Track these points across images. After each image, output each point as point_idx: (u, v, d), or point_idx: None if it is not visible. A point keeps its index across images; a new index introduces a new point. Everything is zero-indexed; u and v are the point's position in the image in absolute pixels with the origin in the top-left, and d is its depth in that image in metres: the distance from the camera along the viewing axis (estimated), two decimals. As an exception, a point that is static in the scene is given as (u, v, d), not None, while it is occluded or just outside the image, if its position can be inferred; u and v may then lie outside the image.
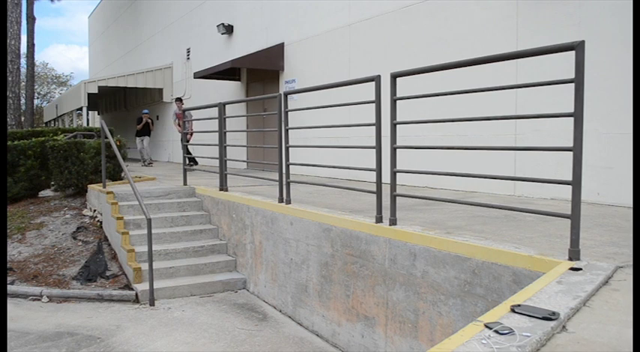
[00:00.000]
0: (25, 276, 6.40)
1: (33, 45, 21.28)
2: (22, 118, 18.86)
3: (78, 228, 7.72)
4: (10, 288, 6.00)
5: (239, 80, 12.81)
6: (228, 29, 12.86)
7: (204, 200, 7.56)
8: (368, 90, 4.32)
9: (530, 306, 2.14)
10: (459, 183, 6.64)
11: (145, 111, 14.31)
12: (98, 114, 26.56)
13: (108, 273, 6.54)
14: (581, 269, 2.75)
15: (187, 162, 9.26)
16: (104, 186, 7.72)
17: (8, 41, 15.52)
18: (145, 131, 14.18)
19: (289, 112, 5.60)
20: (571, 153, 2.86)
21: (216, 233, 7.12)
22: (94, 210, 8.08)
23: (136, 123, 14.14)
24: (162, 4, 17.79)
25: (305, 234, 5.12)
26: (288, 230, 5.43)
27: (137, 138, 14.14)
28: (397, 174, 4.11)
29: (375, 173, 4.25)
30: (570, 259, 2.91)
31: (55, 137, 9.74)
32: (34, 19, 21.15)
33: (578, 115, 2.82)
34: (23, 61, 20.28)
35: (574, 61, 2.81)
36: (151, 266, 5.77)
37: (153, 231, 6.10)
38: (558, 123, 5.39)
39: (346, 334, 4.55)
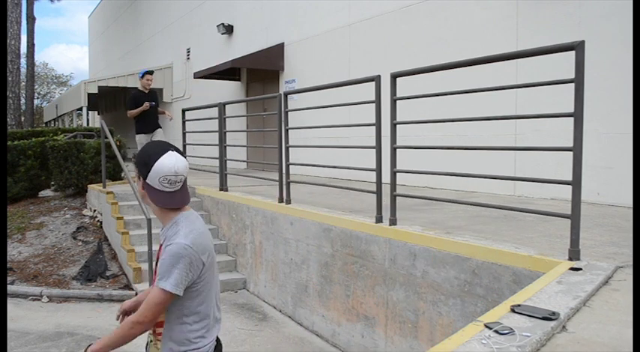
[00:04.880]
0: (25, 276, 6.40)
1: (33, 45, 21.29)
2: (22, 118, 18.86)
3: (78, 228, 7.72)
4: (10, 288, 5.99)
5: (239, 80, 12.81)
6: (228, 29, 12.86)
7: (204, 200, 7.56)
8: (368, 90, 4.32)
9: (530, 306, 2.14)
10: (459, 183, 6.64)
11: (144, 70, 8.03)
12: (98, 114, 26.55)
13: (108, 273, 6.54)
14: (581, 269, 2.75)
15: None
16: (104, 186, 7.71)
17: (8, 41, 15.52)
18: (148, 119, 7.78)
19: (289, 112, 5.60)
20: (571, 153, 2.86)
21: (216, 233, 7.12)
22: (94, 210, 8.08)
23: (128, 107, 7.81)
24: (162, 4, 17.79)
25: (305, 234, 5.12)
26: (288, 230, 5.43)
27: (141, 136, 7.79)
28: (397, 174, 4.11)
29: (375, 173, 4.25)
30: (570, 259, 2.91)
31: (55, 137, 9.75)
32: (34, 19, 21.17)
33: (578, 115, 2.82)
34: (23, 61, 20.29)
35: (574, 61, 2.81)
36: (151, 266, 5.77)
37: (153, 231, 6.09)
38: (558, 123, 5.39)
39: (346, 334, 4.55)
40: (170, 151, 1.90)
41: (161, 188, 1.88)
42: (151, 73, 7.99)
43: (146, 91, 7.84)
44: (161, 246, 1.95)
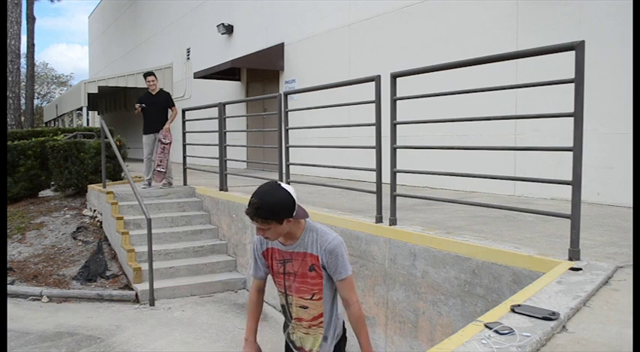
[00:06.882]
0: (25, 276, 6.40)
1: (33, 45, 21.31)
2: (22, 118, 18.87)
3: (78, 228, 7.72)
4: (10, 288, 5.99)
5: (239, 80, 12.81)
6: (228, 29, 12.86)
7: (204, 200, 7.56)
8: (368, 90, 4.32)
9: (530, 306, 2.14)
10: (459, 183, 6.64)
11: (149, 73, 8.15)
12: (98, 114, 26.56)
13: (108, 273, 6.54)
14: (581, 269, 2.75)
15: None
16: (104, 186, 7.72)
17: (8, 41, 15.52)
18: (149, 121, 7.89)
19: (289, 112, 5.60)
20: (571, 153, 2.86)
21: (216, 233, 7.12)
22: (94, 210, 8.08)
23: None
24: (162, 4, 17.79)
25: (305, 234, 5.11)
26: (288, 230, 5.42)
27: (143, 137, 8.02)
28: (397, 174, 4.11)
29: (375, 173, 4.25)
30: (570, 259, 2.91)
31: (55, 137, 9.75)
32: (34, 19, 21.18)
33: (578, 115, 2.82)
34: (23, 61, 20.30)
35: (574, 61, 2.81)
36: (150, 266, 5.77)
37: (153, 231, 6.09)
38: (558, 123, 5.38)
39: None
40: (281, 183, 2.22)
41: (296, 209, 2.18)
42: (148, 74, 8.15)
43: (152, 93, 8.01)
44: (304, 253, 2.28)
